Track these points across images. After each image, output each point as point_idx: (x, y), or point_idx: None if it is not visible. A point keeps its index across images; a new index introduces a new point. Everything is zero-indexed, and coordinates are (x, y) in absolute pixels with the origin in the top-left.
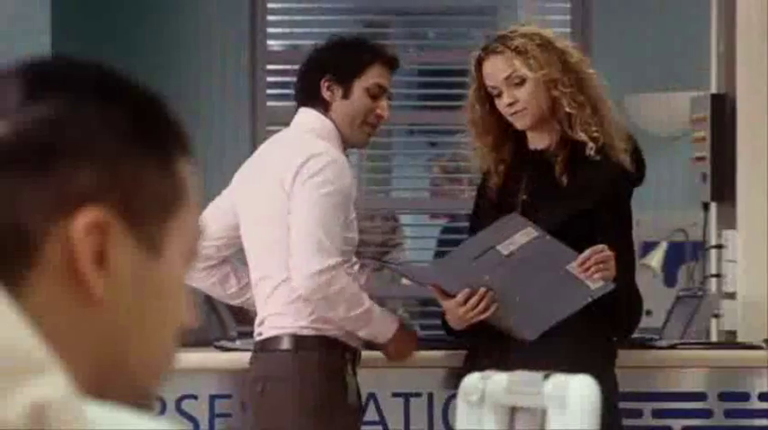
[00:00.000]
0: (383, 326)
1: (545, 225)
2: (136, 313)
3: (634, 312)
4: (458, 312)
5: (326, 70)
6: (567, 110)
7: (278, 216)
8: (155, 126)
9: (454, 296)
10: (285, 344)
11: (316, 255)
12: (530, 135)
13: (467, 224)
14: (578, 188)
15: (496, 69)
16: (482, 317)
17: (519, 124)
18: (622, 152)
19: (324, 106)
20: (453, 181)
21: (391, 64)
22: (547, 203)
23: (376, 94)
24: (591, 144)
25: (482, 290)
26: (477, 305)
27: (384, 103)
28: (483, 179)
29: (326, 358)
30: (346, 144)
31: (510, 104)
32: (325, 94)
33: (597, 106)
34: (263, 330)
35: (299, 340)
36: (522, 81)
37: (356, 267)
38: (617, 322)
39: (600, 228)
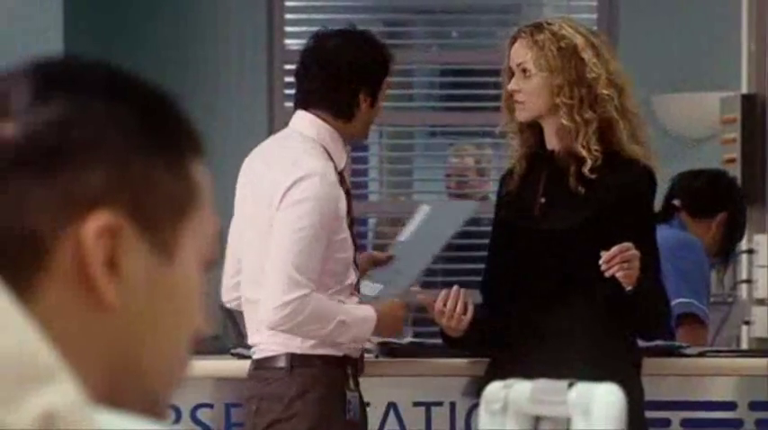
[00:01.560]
0: (359, 328)
1: (563, 226)
2: (148, 318)
3: (659, 313)
4: (442, 322)
5: (363, 83)
6: (563, 121)
7: (265, 242)
8: (165, 126)
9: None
10: (281, 363)
11: (285, 289)
12: (544, 132)
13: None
14: (594, 196)
15: (516, 53)
16: (468, 312)
17: (518, 115)
18: (644, 158)
19: (349, 115)
20: (462, 184)
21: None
22: (562, 211)
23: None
24: (589, 162)
25: (450, 290)
26: (455, 306)
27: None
28: (502, 178)
29: (325, 374)
30: (350, 140)
31: (513, 91)
32: (363, 106)
33: (610, 126)
34: (259, 350)
35: (295, 358)
36: (530, 75)
37: (355, 281)
38: (641, 323)
39: (622, 229)
